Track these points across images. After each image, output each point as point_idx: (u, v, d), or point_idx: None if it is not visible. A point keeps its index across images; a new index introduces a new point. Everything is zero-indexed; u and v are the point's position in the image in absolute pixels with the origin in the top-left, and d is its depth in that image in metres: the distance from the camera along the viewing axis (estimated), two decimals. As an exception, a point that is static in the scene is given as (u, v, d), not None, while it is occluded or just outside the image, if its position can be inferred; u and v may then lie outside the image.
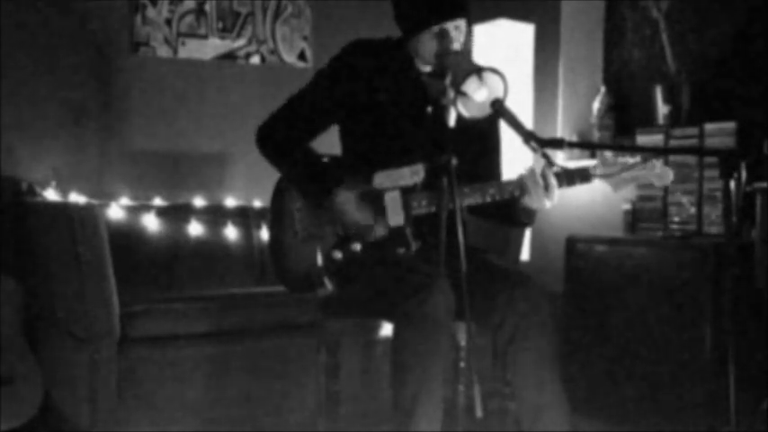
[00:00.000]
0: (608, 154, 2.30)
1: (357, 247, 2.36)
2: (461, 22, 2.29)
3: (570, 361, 3.36)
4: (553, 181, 2.23)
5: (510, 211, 2.34)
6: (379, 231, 2.32)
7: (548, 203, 2.25)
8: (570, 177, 2.27)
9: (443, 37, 2.25)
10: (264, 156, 2.44)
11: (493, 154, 2.53)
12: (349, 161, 2.44)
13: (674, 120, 3.56)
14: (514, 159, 3.39)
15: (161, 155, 3.89)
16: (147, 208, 3.69)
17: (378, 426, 3.01)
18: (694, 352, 3.01)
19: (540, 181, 2.23)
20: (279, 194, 2.47)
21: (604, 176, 2.26)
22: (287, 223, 2.43)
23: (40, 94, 3.65)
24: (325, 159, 2.45)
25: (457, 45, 2.28)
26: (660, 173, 2.25)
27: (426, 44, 2.29)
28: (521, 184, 2.27)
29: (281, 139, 2.42)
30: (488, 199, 2.29)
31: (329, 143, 2.51)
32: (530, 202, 2.28)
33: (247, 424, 3.10)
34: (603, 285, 3.33)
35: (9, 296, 3.09)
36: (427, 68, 2.37)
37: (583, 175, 2.27)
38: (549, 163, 2.10)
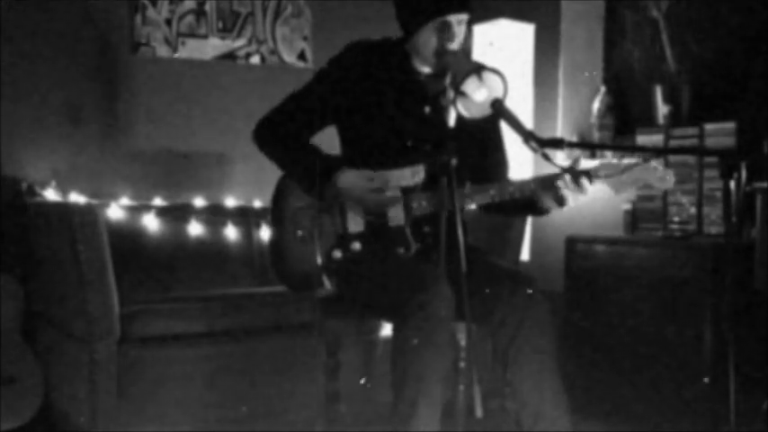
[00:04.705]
0: (610, 157, 2.30)
1: (357, 246, 2.36)
2: (464, 17, 2.29)
3: (570, 361, 3.36)
4: (584, 180, 2.22)
5: (531, 203, 2.33)
6: (394, 205, 2.32)
7: (582, 198, 2.24)
8: (574, 177, 2.26)
9: (445, 30, 2.25)
10: (261, 150, 2.44)
11: (497, 152, 2.52)
12: (348, 162, 2.44)
13: (674, 120, 3.56)
14: (514, 160, 3.38)
15: (161, 155, 3.89)
16: (147, 208, 3.69)
17: (378, 426, 3.00)
18: (694, 352, 3.01)
19: (571, 182, 2.21)
20: (280, 194, 2.47)
21: (606, 178, 2.25)
22: (288, 223, 2.43)
23: (40, 94, 3.65)
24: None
25: (457, 42, 2.28)
26: (662, 176, 2.25)
27: (428, 39, 2.28)
28: (537, 184, 2.26)
29: (279, 134, 2.42)
30: (489, 200, 2.29)
31: (330, 144, 2.51)
32: (555, 201, 2.27)
33: (247, 424, 3.10)
34: (603, 285, 3.33)
35: (9, 296, 3.09)
36: (426, 69, 2.37)
37: (586, 176, 2.26)
38: (575, 172, 2.12)
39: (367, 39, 2.45)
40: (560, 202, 2.25)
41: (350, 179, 2.32)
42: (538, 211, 2.35)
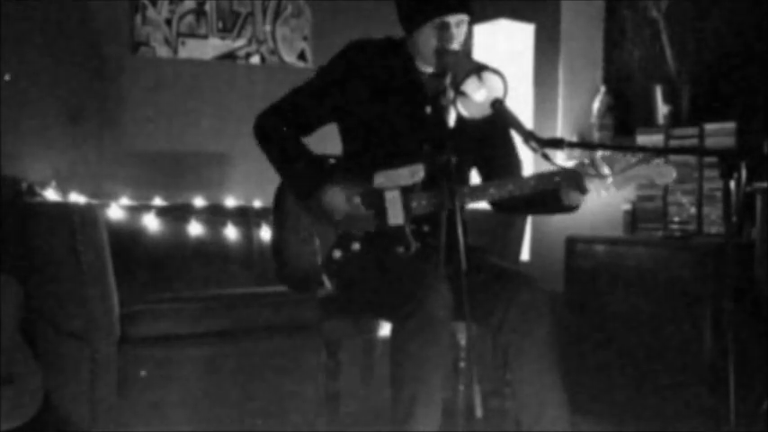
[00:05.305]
0: (612, 153, 2.29)
1: (356, 246, 2.36)
2: (464, 18, 2.29)
3: (570, 361, 3.35)
4: (606, 170, 2.21)
5: (550, 201, 2.32)
6: (370, 225, 2.32)
7: (604, 193, 2.22)
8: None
9: (444, 30, 2.25)
10: (259, 143, 2.44)
11: (507, 151, 2.50)
12: (349, 161, 2.44)
13: (674, 120, 3.56)
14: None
15: (161, 155, 3.89)
16: (147, 208, 3.69)
17: (378, 426, 3.01)
18: (694, 352, 3.01)
19: (593, 171, 2.20)
20: (283, 193, 2.47)
21: (611, 176, 2.25)
22: (289, 222, 2.43)
23: (40, 94, 3.64)
24: (332, 160, 2.45)
25: (457, 42, 2.28)
26: (663, 171, 2.24)
27: (428, 39, 2.28)
28: (537, 181, 2.25)
29: (277, 130, 2.42)
30: (489, 199, 2.29)
31: (331, 144, 2.51)
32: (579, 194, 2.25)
33: (247, 424, 3.10)
34: (603, 285, 3.33)
35: (9, 296, 3.09)
36: (428, 69, 2.37)
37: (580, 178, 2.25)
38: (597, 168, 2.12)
39: (368, 38, 2.45)
40: (583, 191, 2.23)
41: (335, 199, 2.32)
42: (564, 207, 2.32)
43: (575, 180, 2.21)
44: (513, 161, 2.49)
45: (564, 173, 2.22)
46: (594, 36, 4.08)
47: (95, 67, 3.78)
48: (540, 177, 2.25)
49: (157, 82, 3.90)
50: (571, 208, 2.31)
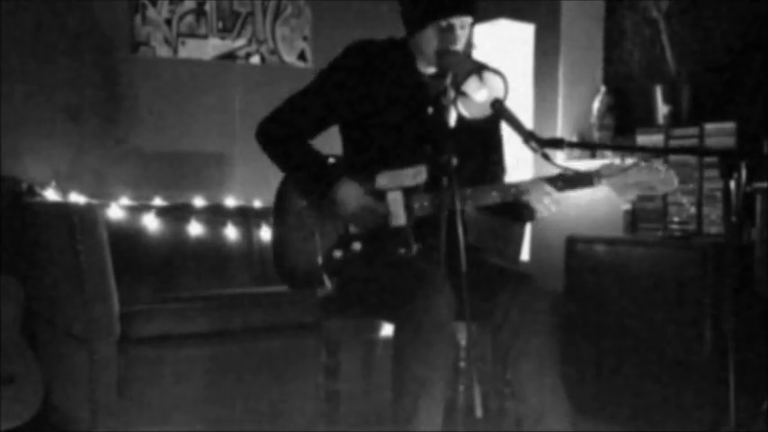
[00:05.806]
0: (611, 158, 2.30)
1: (357, 246, 2.36)
2: (467, 21, 2.30)
3: (571, 361, 3.35)
4: (556, 194, 2.24)
5: (515, 208, 2.34)
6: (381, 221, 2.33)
7: (554, 209, 2.26)
8: (572, 182, 2.27)
9: (448, 32, 2.25)
10: (264, 150, 2.44)
11: (494, 154, 2.52)
12: (351, 162, 2.44)
13: (674, 120, 3.56)
14: (514, 160, 3.38)
15: (161, 155, 3.89)
16: (147, 208, 3.69)
17: (378, 426, 3.01)
18: (694, 352, 3.01)
19: (547, 190, 2.23)
20: (284, 193, 2.47)
21: (609, 178, 2.25)
22: (290, 221, 2.44)
23: (41, 94, 3.64)
24: (331, 160, 2.45)
25: (459, 44, 2.28)
26: (664, 178, 2.24)
27: (430, 40, 2.28)
28: (525, 189, 2.26)
29: (281, 134, 2.42)
30: (491, 201, 2.29)
31: (331, 143, 2.51)
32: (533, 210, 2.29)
33: (247, 424, 3.10)
34: (603, 285, 3.33)
35: (9, 296, 3.09)
36: (430, 69, 2.37)
37: (586, 181, 2.26)
38: (559, 179, 2.13)
39: (370, 38, 2.45)
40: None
41: (348, 193, 2.32)
42: (522, 216, 2.35)
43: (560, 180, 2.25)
44: (498, 165, 2.52)
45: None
46: (594, 36, 4.08)
47: (95, 67, 3.78)
48: (537, 183, 2.27)
49: (157, 82, 3.90)
50: (530, 219, 2.38)
